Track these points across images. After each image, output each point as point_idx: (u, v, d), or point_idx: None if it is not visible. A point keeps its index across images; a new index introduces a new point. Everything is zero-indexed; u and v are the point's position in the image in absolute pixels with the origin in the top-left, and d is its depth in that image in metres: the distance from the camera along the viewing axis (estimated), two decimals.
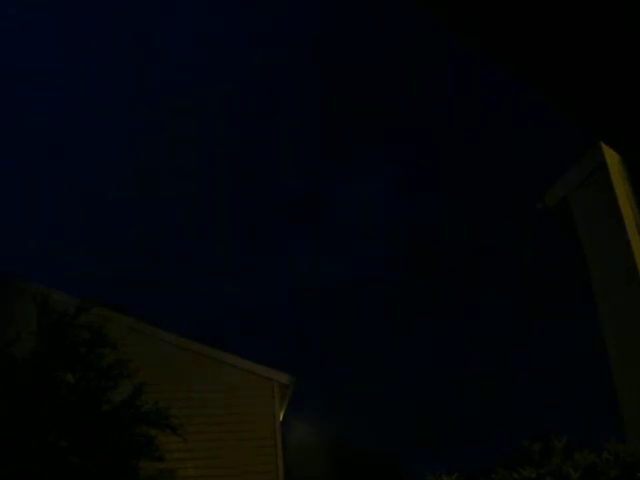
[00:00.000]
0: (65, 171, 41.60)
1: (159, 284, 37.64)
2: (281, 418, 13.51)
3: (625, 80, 2.09)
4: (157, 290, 36.35)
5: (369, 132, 43.01)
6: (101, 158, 43.05)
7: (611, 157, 8.05)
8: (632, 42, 1.97)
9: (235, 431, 12.62)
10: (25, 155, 41.54)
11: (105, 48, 44.54)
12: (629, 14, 1.89)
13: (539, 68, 2.05)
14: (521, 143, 37.29)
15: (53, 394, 8.42)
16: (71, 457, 8.25)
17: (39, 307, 8.81)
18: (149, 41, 43.40)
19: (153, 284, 37.17)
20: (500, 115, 34.62)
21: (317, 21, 43.11)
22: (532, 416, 25.50)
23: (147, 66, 43.49)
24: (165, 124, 44.23)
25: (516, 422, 24.84)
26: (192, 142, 43.03)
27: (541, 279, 34.70)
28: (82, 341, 8.76)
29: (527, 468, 7.26)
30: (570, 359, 28.59)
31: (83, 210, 41.53)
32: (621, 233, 8.07)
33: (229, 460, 12.34)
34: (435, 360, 34.76)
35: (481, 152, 38.79)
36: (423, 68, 40.57)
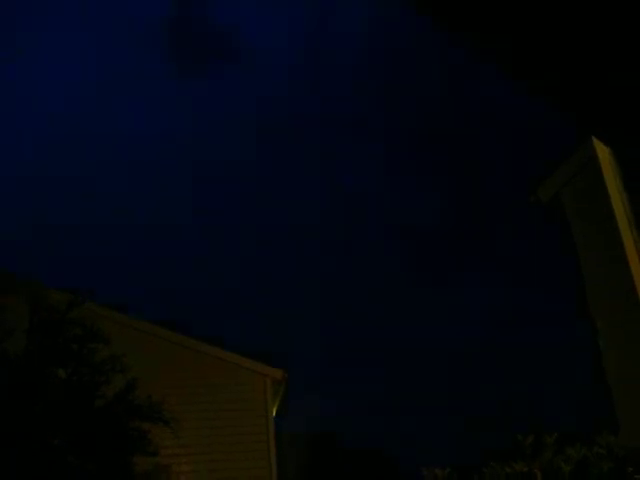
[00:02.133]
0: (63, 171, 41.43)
1: (155, 279, 37.61)
2: (274, 413, 13.52)
3: (617, 76, 2.10)
4: (154, 286, 36.31)
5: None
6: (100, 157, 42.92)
7: (602, 151, 8.06)
8: (625, 38, 1.98)
9: (228, 426, 12.61)
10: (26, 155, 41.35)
11: None
12: (623, 13, 1.89)
13: (534, 64, 2.05)
14: (516, 137, 37.30)
15: (46, 391, 8.40)
16: (66, 454, 8.24)
17: (32, 304, 8.78)
18: None
19: (149, 279, 37.13)
20: (496, 109, 34.58)
21: None
22: (525, 411, 25.61)
23: None
24: None
25: (509, 417, 24.92)
26: None
27: (537, 275, 34.81)
28: (74, 337, 8.73)
29: (519, 462, 7.30)
30: (564, 355, 28.73)
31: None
32: (612, 227, 8.08)
33: (222, 455, 12.35)
34: (433, 358, 34.81)
35: (478, 147, 38.80)
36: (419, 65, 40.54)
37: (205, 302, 36.95)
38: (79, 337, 8.73)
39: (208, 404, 12.68)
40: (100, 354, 8.78)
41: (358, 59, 44.45)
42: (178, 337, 13.28)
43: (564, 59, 2.09)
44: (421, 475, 7.75)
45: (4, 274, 11.08)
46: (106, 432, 8.54)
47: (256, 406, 12.87)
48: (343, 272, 39.70)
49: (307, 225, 42.99)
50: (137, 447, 8.74)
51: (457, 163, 40.18)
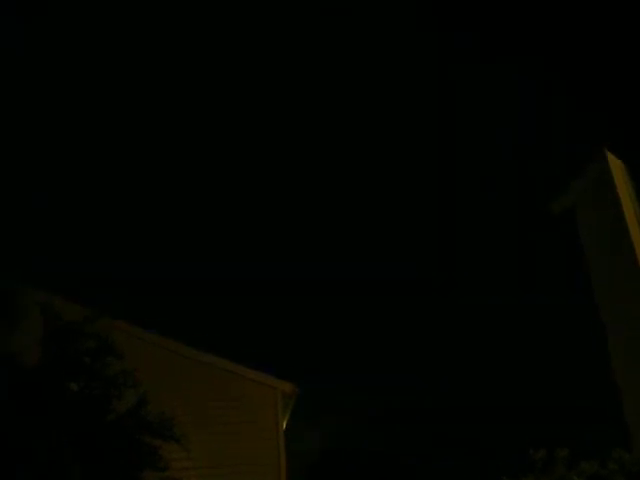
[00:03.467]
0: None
1: (161, 290, 37.50)
2: (284, 427, 13.45)
3: (631, 89, 2.10)
4: (160, 297, 36.24)
5: None
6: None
7: (615, 165, 8.08)
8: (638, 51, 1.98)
9: (237, 440, 12.54)
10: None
11: None
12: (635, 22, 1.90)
13: (550, 74, 2.06)
14: (528, 150, 37.15)
15: (58, 403, 8.41)
16: (75, 466, 8.23)
17: (46, 316, 8.81)
18: None
19: (155, 290, 37.03)
20: (507, 120, 34.50)
21: None
22: (536, 425, 25.44)
23: None
24: None
25: (520, 430, 24.74)
26: None
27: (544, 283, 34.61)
28: (87, 350, 8.75)
29: (529, 476, 7.25)
30: (573, 364, 28.54)
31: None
32: (624, 238, 8.10)
33: (231, 469, 12.28)
34: (438, 364, 34.59)
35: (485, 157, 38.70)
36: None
37: (209, 311, 36.78)
38: (92, 350, 8.74)
39: (218, 417, 12.63)
40: (112, 368, 8.78)
41: None
42: (187, 349, 13.24)
43: (581, 69, 2.10)
44: None
45: (19, 285, 11.11)
46: (115, 445, 8.54)
47: (266, 420, 12.82)
48: (344, 276, 39.45)
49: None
50: (147, 462, 8.74)
51: None
